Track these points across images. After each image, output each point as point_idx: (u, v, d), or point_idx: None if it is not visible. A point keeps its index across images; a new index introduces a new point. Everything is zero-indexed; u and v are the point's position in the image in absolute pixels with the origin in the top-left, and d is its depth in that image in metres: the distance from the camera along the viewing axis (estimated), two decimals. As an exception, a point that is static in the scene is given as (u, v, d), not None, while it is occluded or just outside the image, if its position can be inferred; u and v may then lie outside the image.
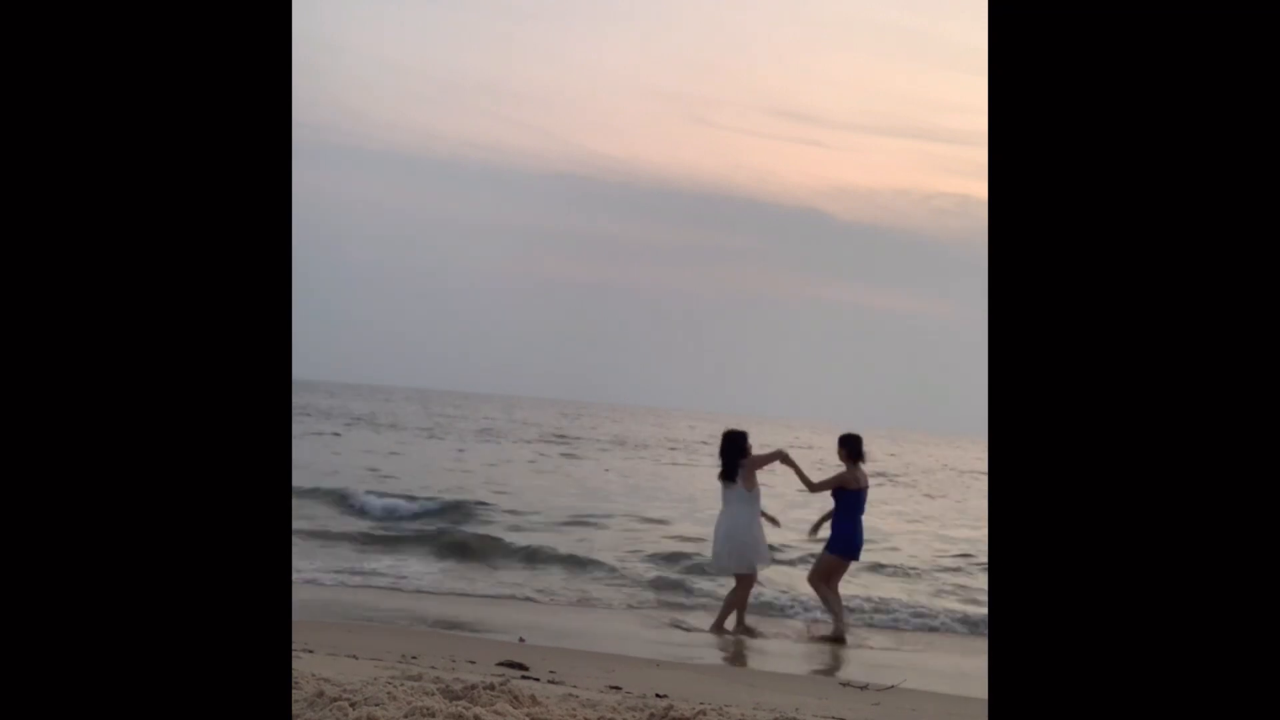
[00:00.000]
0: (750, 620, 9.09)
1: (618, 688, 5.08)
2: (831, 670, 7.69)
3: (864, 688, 6.37)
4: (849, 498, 9.02)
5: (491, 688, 3.55)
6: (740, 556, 8.87)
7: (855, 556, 9.13)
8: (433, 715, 3.18)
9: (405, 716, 3.16)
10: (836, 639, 8.85)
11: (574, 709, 3.57)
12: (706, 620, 9.24)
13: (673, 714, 3.59)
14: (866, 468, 9.26)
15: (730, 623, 8.96)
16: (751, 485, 8.92)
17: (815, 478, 9.27)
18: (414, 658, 5.65)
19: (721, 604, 9.26)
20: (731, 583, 9.18)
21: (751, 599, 9.21)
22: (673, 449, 37.17)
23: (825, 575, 9.05)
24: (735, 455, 8.95)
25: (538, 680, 4.99)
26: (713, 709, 3.77)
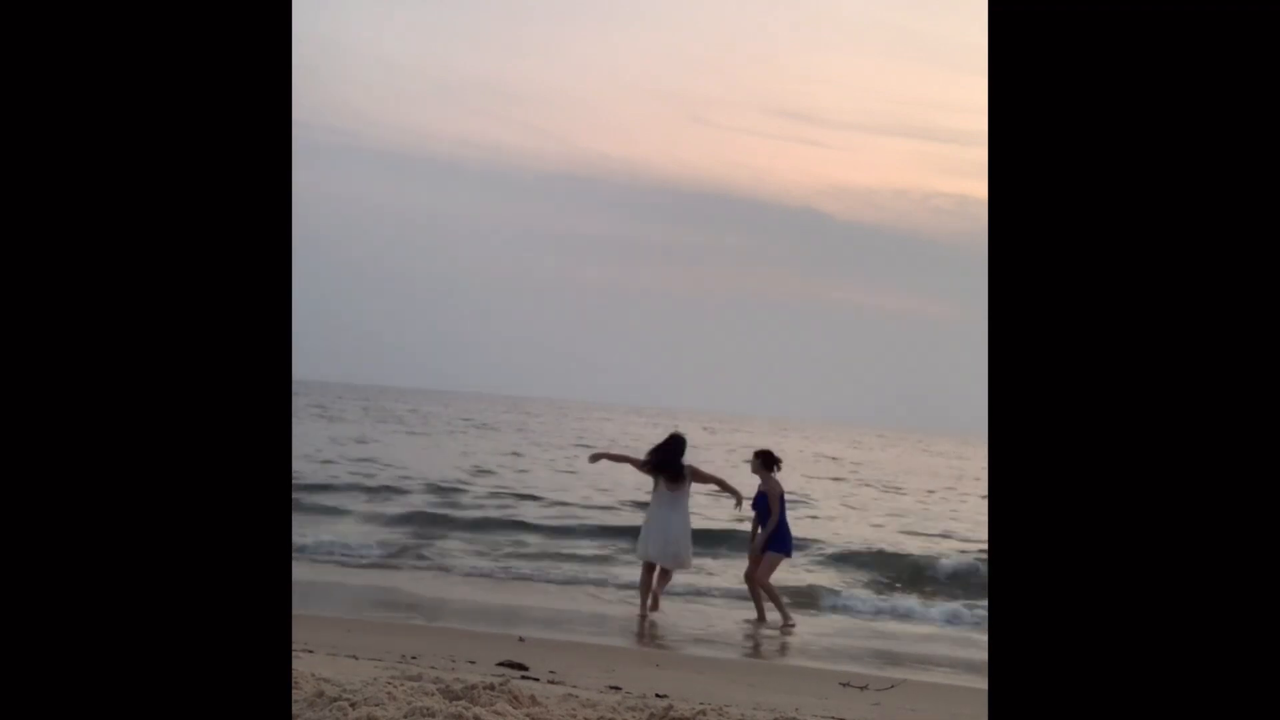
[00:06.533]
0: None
1: (618, 688, 5.09)
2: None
3: (864, 688, 6.38)
4: (784, 502, 9.74)
5: (491, 688, 3.55)
6: (673, 554, 9.40)
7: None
8: (433, 715, 3.18)
9: (405, 716, 3.16)
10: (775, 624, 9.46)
11: (574, 709, 3.57)
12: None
13: (673, 714, 3.59)
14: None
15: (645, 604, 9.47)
16: (688, 491, 9.49)
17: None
18: (414, 658, 5.65)
19: (640, 590, 9.61)
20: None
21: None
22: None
23: (771, 574, 9.66)
24: (678, 458, 9.42)
25: (538, 680, 4.99)
26: (713, 709, 3.77)
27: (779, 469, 9.69)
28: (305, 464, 18.47)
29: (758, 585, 9.58)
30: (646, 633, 8.94)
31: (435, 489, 17.93)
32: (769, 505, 9.54)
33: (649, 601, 9.41)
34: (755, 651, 8.60)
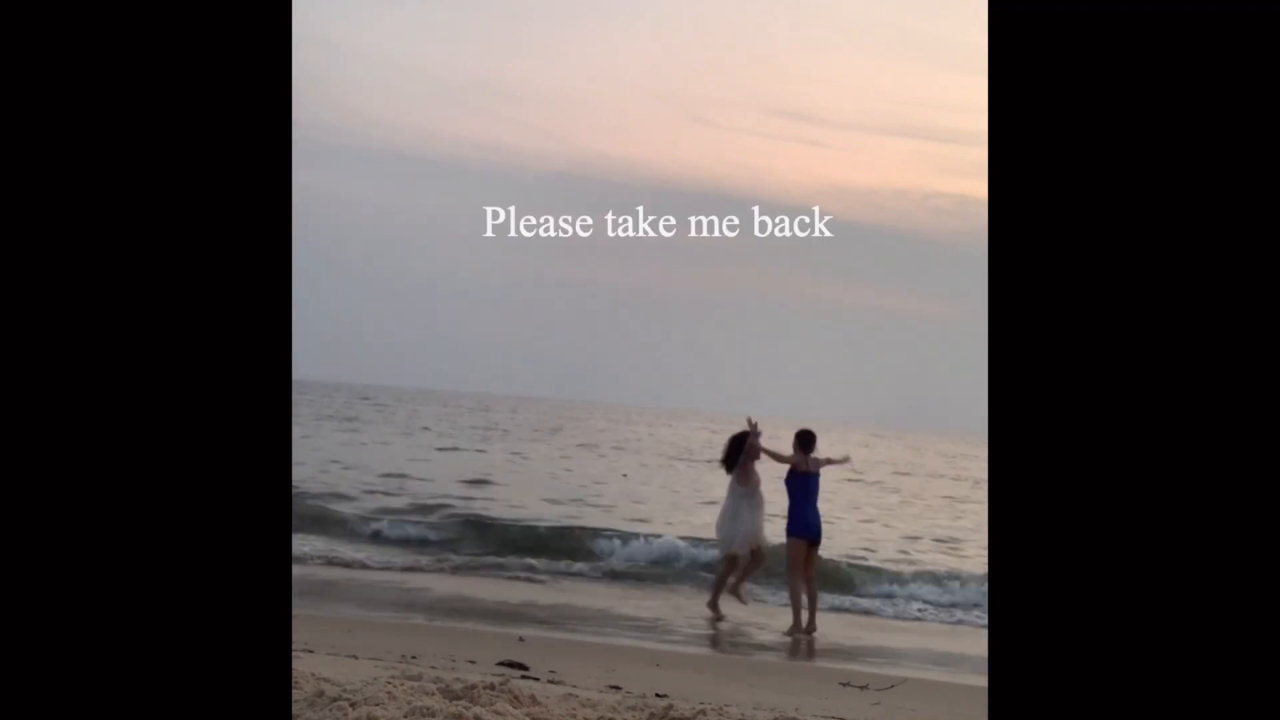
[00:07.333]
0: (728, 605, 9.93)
1: (618, 687, 5.09)
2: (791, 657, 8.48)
3: (864, 688, 6.38)
4: (800, 481, 9.65)
5: (491, 688, 3.55)
6: (723, 539, 9.93)
7: (815, 538, 9.65)
8: (433, 715, 3.18)
9: (405, 716, 3.16)
10: (795, 631, 9.34)
11: (574, 709, 3.57)
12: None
13: (673, 714, 3.59)
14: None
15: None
16: (744, 480, 9.81)
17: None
18: (414, 658, 5.65)
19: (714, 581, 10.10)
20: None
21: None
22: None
23: (796, 563, 9.54)
24: (736, 453, 9.98)
25: (538, 680, 4.99)
26: (712, 709, 3.77)
27: (807, 450, 9.67)
28: (304, 465, 18.48)
29: (795, 577, 9.48)
30: (713, 627, 9.33)
31: (434, 489, 17.94)
32: (797, 478, 9.57)
33: (733, 593, 9.72)
34: (755, 651, 8.61)
